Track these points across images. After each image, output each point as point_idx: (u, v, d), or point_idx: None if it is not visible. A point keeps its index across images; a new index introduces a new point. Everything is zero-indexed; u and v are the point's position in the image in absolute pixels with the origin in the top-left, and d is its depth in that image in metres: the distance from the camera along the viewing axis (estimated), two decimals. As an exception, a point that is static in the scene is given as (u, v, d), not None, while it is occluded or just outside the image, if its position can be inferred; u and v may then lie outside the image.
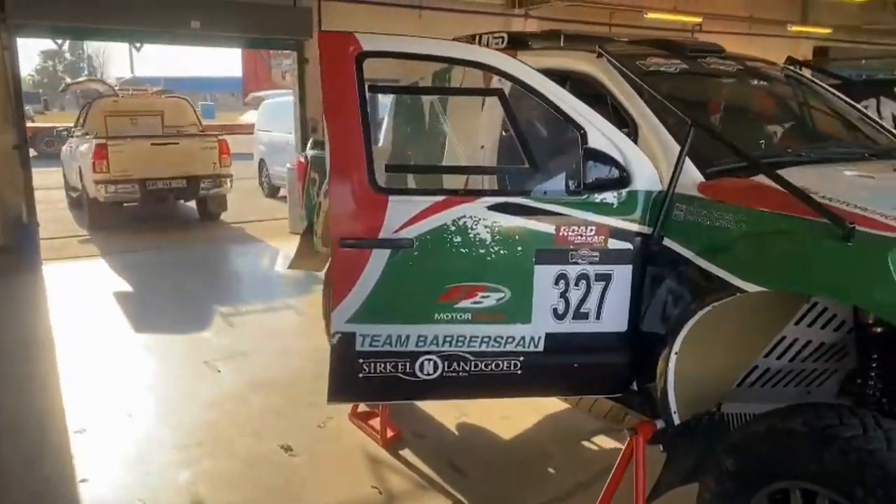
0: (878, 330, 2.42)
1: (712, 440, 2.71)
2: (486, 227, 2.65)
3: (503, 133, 3.67)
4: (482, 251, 2.66)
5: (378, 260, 2.64)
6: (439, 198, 2.66)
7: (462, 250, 2.66)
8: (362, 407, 4.29)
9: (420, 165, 3.08)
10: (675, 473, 2.68)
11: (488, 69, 2.81)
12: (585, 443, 4.09)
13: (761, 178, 2.58)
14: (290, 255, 9.47)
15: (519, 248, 2.68)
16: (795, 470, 2.19)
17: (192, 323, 6.33)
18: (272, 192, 14.71)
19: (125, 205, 11.15)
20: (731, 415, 2.84)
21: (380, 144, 4.65)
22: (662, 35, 6.87)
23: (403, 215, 2.63)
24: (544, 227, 2.68)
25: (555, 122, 2.81)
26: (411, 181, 4.11)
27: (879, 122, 3.72)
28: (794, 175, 2.46)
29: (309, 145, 5.43)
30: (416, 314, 2.71)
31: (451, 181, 3.25)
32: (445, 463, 3.85)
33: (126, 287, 7.72)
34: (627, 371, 2.85)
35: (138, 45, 12.24)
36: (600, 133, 2.71)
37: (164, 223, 11.73)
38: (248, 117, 26.65)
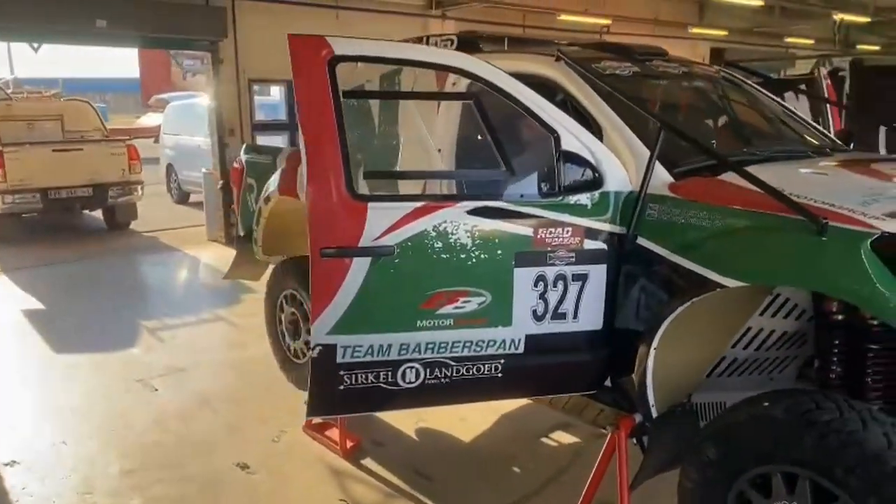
0: (840, 318, 2.57)
1: (685, 430, 2.82)
2: (466, 231, 2.65)
3: (461, 136, 3.68)
4: (463, 256, 2.65)
5: (359, 269, 2.58)
6: (419, 203, 2.64)
7: (443, 256, 2.64)
8: (316, 418, 4.19)
9: (400, 171, 3.01)
10: (652, 465, 2.76)
11: (462, 73, 2.80)
12: (544, 439, 4.15)
13: (727, 177, 2.70)
14: (210, 263, 9.25)
15: (499, 252, 2.69)
16: (777, 454, 2.30)
17: (117, 340, 6.00)
18: (182, 198, 14.14)
19: (25, 216, 10.44)
20: (701, 404, 2.95)
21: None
22: (574, 37, 7.08)
23: (384, 222, 2.59)
24: (522, 229, 2.70)
25: (523, 125, 2.83)
26: (364, 187, 4.07)
27: (807, 120, 3.96)
28: (756, 173, 2.58)
29: (243, 150, 5.24)
30: (399, 322, 2.67)
31: (409, 187, 3.23)
32: (409, 469, 3.81)
33: (37, 305, 7.22)
34: (603, 368, 2.92)
35: (36, 45, 11.47)
36: (572, 136, 2.75)
37: (71, 234, 11.06)
38: (148, 120, 25.48)
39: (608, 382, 2.97)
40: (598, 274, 2.78)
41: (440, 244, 2.63)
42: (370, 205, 2.60)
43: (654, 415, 2.73)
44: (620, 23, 12.51)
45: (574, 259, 2.74)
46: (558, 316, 2.78)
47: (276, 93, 11.57)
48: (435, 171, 2.85)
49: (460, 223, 2.64)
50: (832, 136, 4.06)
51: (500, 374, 2.81)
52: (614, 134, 2.91)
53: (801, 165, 3.04)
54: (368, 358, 2.68)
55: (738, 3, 12.80)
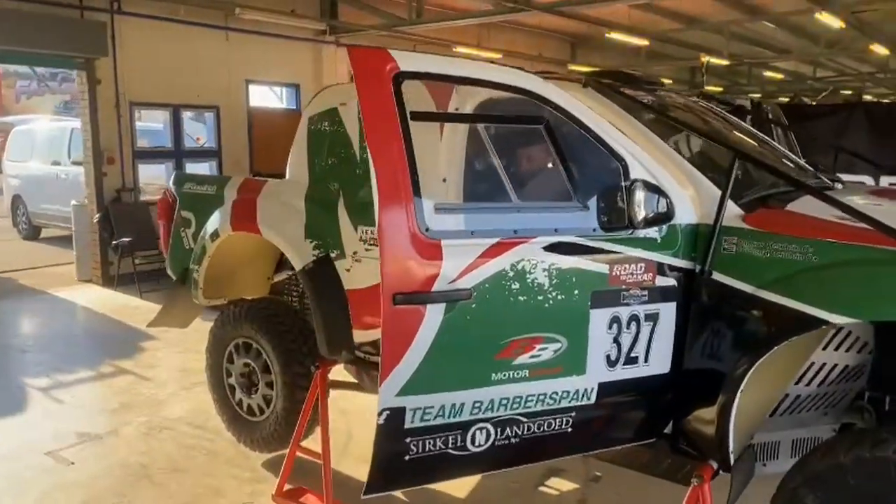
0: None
1: (748, 476, 2.67)
2: (543, 270, 2.35)
3: (469, 164, 3.38)
4: (540, 298, 2.35)
5: (433, 317, 2.21)
6: (495, 240, 2.31)
7: (520, 298, 2.32)
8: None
9: (478, 205, 2.60)
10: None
11: (531, 96, 2.51)
12: (543, 489, 3.88)
13: (796, 207, 2.61)
14: (90, 307, 8.17)
15: (575, 292, 2.41)
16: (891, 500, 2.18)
17: (3, 406, 5.03)
18: (32, 233, 12.61)
19: None
20: (758, 446, 2.82)
21: (286, 177, 4.08)
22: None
23: (460, 262, 2.24)
24: (598, 267, 2.45)
25: (586, 152, 2.59)
26: (345, 220, 3.64)
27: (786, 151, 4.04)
28: (823, 204, 2.50)
29: (174, 180, 4.60)
30: (473, 377, 2.31)
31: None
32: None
33: None
34: (667, 413, 2.71)
35: None
36: (639, 163, 2.55)
37: None
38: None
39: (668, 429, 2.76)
40: (668, 313, 2.57)
41: (518, 285, 2.31)
42: (444, 242, 2.23)
43: (733, 461, 2.55)
44: (509, 57, 12.74)
45: (646, 298, 2.52)
46: (630, 360, 2.54)
47: (161, 118, 10.65)
48: (512, 205, 2.51)
49: (538, 261, 2.34)
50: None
51: (569, 429, 2.52)
52: (664, 163, 2.72)
53: (845, 196, 3.02)
54: (439, 421, 2.29)
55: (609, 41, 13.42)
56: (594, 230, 2.45)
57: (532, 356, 2.37)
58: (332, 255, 3.65)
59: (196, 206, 4.35)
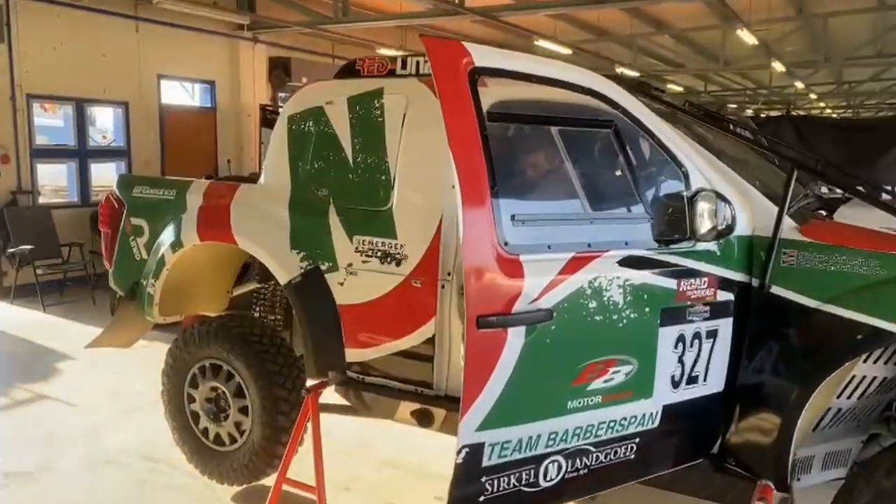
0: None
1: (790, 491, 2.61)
2: (618, 286, 2.17)
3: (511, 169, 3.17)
4: (615, 317, 2.17)
5: (515, 341, 1.98)
6: (570, 254, 2.10)
7: (597, 318, 2.13)
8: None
9: (553, 215, 2.31)
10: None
11: (605, 100, 2.31)
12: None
13: (845, 218, 2.57)
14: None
15: (647, 310, 2.25)
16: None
17: None
18: None
19: None
20: (798, 461, 2.76)
21: (261, 181, 3.71)
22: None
23: (540, 280, 2.02)
24: (667, 282, 2.30)
25: (646, 159, 2.44)
26: (339, 230, 3.32)
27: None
28: (863, 214, 2.48)
29: (120, 183, 4.09)
30: (550, 406, 2.10)
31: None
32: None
33: None
34: (716, 434, 2.59)
35: None
36: (700, 173, 2.43)
37: None
38: None
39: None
40: (725, 329, 2.46)
41: (594, 304, 2.12)
42: (523, 258, 2.01)
43: (790, 480, 2.47)
44: (430, 61, 12.57)
45: (708, 314, 2.40)
46: (691, 380, 2.41)
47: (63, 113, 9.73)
48: (584, 215, 2.27)
49: (613, 277, 2.16)
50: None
51: (633, 456, 2.35)
52: (708, 172, 2.60)
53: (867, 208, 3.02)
54: (515, 456, 2.06)
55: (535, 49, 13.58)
56: (670, 242, 2.29)
57: (606, 380, 2.18)
58: (323, 267, 3.33)
59: (150, 213, 3.88)
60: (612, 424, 2.25)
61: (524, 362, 2.00)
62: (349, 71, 3.60)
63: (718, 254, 2.43)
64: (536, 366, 2.03)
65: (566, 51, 11.52)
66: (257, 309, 4.10)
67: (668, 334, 2.30)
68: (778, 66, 13.33)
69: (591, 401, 2.17)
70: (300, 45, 11.59)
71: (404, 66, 3.48)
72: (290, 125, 3.60)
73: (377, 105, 3.35)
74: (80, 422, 4.69)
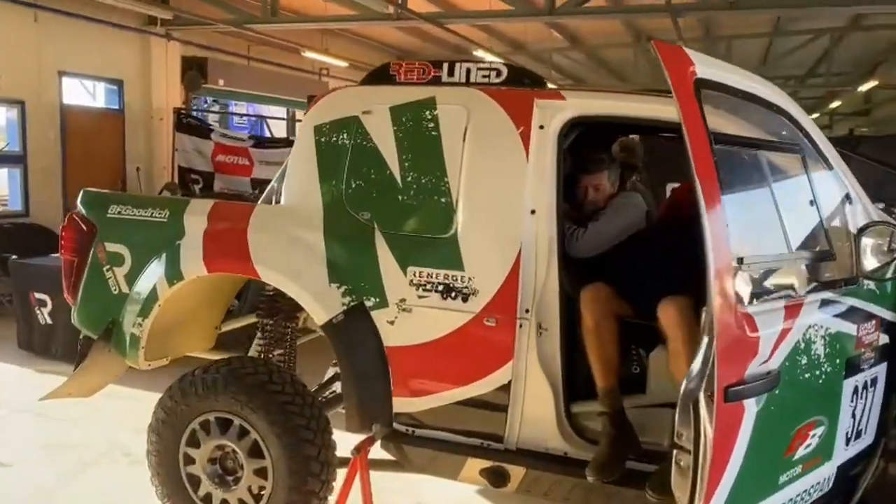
0: None
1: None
2: (821, 336, 1.90)
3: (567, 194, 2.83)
4: (817, 372, 1.89)
5: (750, 411, 1.64)
6: (782, 302, 1.79)
7: (806, 375, 1.85)
8: None
9: (772, 256, 1.91)
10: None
11: (791, 121, 2.01)
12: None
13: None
14: None
15: (837, 361, 1.98)
16: None
17: None
18: None
19: None
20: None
21: (281, 202, 3.16)
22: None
23: (769, 334, 1.70)
24: (850, 327, 2.04)
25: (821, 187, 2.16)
26: (388, 260, 2.84)
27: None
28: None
29: (85, 200, 3.39)
30: (768, 483, 1.78)
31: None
32: None
33: None
34: (859, 486, 2.36)
35: None
36: (860, 201, 2.20)
37: None
38: None
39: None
40: (882, 375, 2.24)
41: (805, 359, 1.83)
42: (751, 309, 1.67)
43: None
44: (355, 69, 12.02)
45: (873, 360, 2.17)
46: (857, 434, 2.17)
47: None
48: (785, 255, 1.93)
49: (817, 326, 1.88)
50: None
51: (805, 526, 2.07)
52: (865, 200, 2.35)
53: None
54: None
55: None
56: (845, 283, 2.03)
57: (806, 446, 1.90)
58: (368, 303, 2.86)
59: (132, 238, 3.24)
60: (804, 496, 1.96)
61: (754, 435, 1.67)
62: (381, 76, 3.16)
63: (878, 293, 2.21)
64: (762, 438, 1.71)
65: (496, 58, 11.38)
66: (261, 346, 3.51)
67: (849, 386, 2.05)
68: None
69: (795, 471, 1.88)
70: (214, 45, 10.73)
71: (451, 72, 3.06)
72: (317, 137, 3.10)
73: (429, 116, 2.93)
74: (20, 487, 3.87)
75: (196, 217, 3.13)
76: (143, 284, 3.16)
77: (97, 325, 3.30)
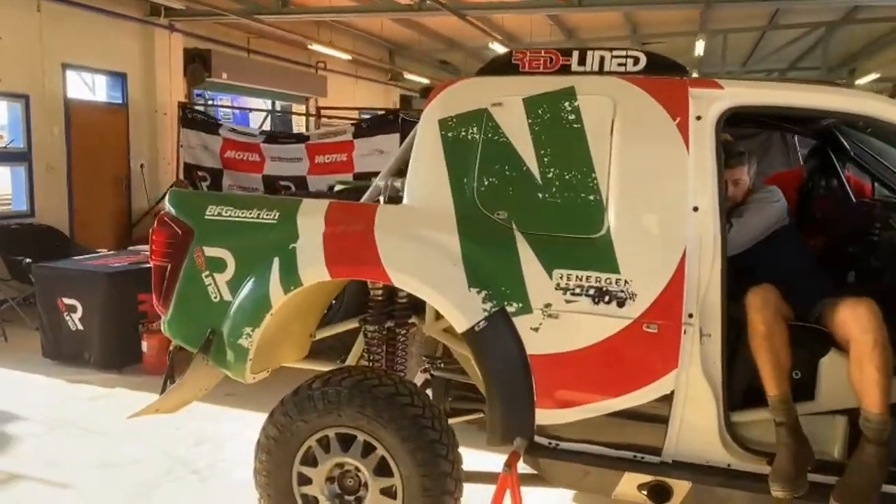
0: None
1: None
2: None
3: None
4: None
5: None
6: None
7: None
8: None
9: None
10: None
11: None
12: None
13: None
14: None
15: None
16: None
17: None
18: None
19: None
20: None
21: (405, 201, 2.94)
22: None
23: None
24: None
25: None
26: (532, 262, 2.65)
27: None
28: None
29: (175, 200, 3.13)
30: None
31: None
32: None
33: None
34: None
35: None
36: None
37: None
38: None
39: None
40: None
41: None
42: None
43: None
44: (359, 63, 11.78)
45: None
46: None
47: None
48: None
49: None
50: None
51: None
52: None
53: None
54: None
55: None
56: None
57: None
58: (510, 308, 2.68)
59: (236, 241, 2.99)
60: None
61: None
62: (504, 66, 2.97)
63: None
64: None
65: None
66: (367, 353, 3.29)
67: None
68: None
69: None
70: (216, 37, 10.37)
71: (582, 61, 2.89)
72: (443, 131, 2.89)
73: (569, 108, 2.75)
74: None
75: (311, 218, 2.89)
76: (252, 292, 2.92)
77: (195, 336, 3.04)
